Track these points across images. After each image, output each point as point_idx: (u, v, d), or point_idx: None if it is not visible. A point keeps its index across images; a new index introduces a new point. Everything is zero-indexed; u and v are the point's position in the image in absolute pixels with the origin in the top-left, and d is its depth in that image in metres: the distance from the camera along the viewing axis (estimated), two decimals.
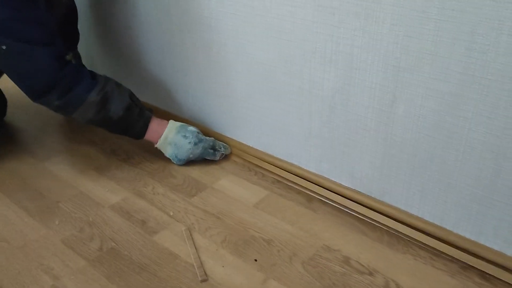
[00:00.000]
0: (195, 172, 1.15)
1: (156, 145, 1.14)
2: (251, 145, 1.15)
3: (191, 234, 0.94)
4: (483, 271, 0.82)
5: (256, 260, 0.87)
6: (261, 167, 1.13)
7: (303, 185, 1.05)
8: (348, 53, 0.85)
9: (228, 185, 1.09)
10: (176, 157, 1.14)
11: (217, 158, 1.17)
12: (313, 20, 0.87)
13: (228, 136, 1.20)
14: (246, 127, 1.14)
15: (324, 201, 1.02)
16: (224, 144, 1.18)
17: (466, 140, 0.76)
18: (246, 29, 1.00)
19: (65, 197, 1.07)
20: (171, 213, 1.01)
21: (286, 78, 0.98)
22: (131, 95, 1.11)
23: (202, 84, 1.19)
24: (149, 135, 1.13)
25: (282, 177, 1.09)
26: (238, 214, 1.00)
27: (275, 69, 0.99)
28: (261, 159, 1.13)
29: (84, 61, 1.54)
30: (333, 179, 1.01)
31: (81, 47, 1.44)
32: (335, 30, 0.84)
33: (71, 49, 1.30)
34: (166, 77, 1.28)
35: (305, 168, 1.06)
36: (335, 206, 1.01)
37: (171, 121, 1.15)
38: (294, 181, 1.07)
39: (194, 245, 0.92)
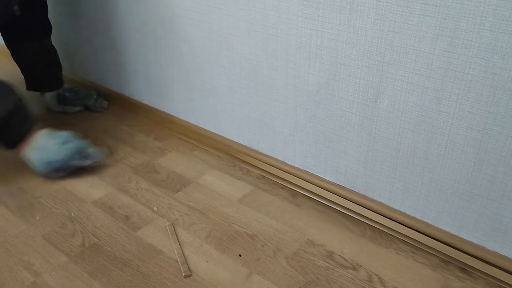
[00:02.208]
0: (179, 167, 1.14)
1: (21, 154, 1.05)
2: (235, 140, 1.15)
3: (175, 230, 0.94)
4: (464, 264, 0.83)
5: (240, 255, 0.87)
6: (245, 162, 1.13)
7: (287, 180, 1.05)
8: (333, 48, 0.85)
9: (212, 180, 1.09)
10: (40, 160, 1.04)
11: (87, 163, 1.08)
12: (298, 15, 0.87)
13: (213, 131, 1.19)
14: (231, 122, 1.13)
15: (308, 196, 1.03)
16: (100, 150, 1.11)
17: (449, 135, 0.77)
18: (230, 23, 0.99)
19: (46, 192, 1.05)
20: (155, 209, 1.00)
21: (271, 73, 0.98)
22: (20, 100, 1.03)
23: (187, 79, 1.18)
24: (21, 145, 1.04)
25: (267, 172, 1.09)
26: (223, 209, 0.99)
27: (260, 63, 0.99)
28: (245, 154, 1.13)
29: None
30: (317, 174, 1.01)
31: (64, 46, 1.42)
32: (320, 24, 0.85)
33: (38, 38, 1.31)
34: (149, 71, 1.27)
35: (289, 163, 1.06)
36: (319, 201, 1.01)
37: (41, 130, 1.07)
38: (279, 176, 1.07)
39: (178, 240, 0.91)
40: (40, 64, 1.32)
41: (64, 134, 1.08)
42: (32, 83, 1.37)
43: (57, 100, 1.37)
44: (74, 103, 1.37)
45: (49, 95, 1.37)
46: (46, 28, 1.32)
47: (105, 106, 1.41)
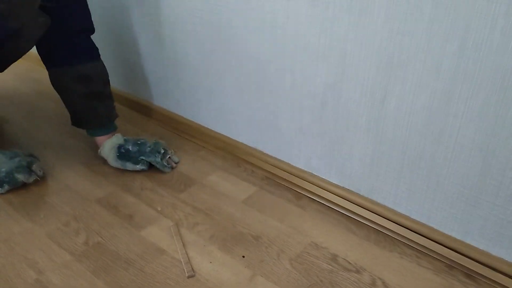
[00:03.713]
0: (184, 167, 1.14)
1: None
2: (241, 141, 1.15)
3: (178, 230, 0.93)
4: (469, 270, 0.83)
5: (244, 257, 0.87)
6: (250, 163, 1.13)
7: (292, 182, 1.05)
8: (341, 48, 0.85)
9: (217, 181, 1.09)
10: None
11: (30, 180, 1.05)
12: (307, 15, 0.87)
13: (218, 131, 1.19)
14: (237, 122, 1.13)
15: (312, 198, 1.02)
16: (41, 166, 1.09)
17: (456, 138, 0.77)
18: (239, 23, 0.99)
19: (50, 190, 1.05)
20: (159, 208, 1.00)
21: (278, 73, 0.98)
22: None
23: (193, 78, 1.18)
24: None
25: (272, 173, 1.09)
26: (227, 210, 0.99)
27: (267, 64, 0.98)
28: (251, 155, 1.13)
29: None
30: (322, 176, 1.01)
31: None
32: (329, 25, 0.84)
33: None
34: (156, 70, 1.27)
35: (294, 165, 1.05)
36: (323, 203, 1.01)
37: None
38: (284, 177, 1.06)
39: (182, 240, 0.91)
40: (75, 93, 1.08)
41: (13, 151, 1.08)
42: (73, 116, 1.14)
43: (117, 153, 1.11)
44: (137, 160, 1.10)
45: (107, 147, 1.12)
46: (84, 51, 1.08)
47: (175, 163, 1.15)
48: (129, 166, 1.10)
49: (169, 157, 1.14)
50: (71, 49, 1.05)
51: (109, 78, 1.11)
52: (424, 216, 0.88)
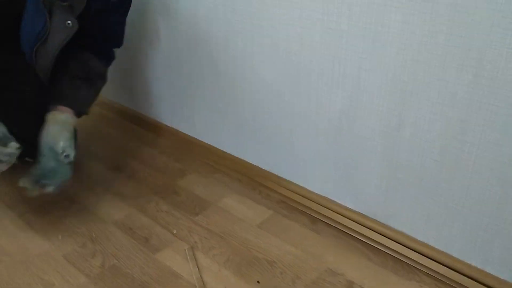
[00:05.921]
0: (199, 189, 1.14)
1: None
2: (256, 164, 1.15)
3: (194, 253, 0.94)
4: None
5: (258, 282, 0.86)
6: (265, 187, 1.13)
7: (307, 206, 1.05)
8: (355, 76, 0.85)
9: (232, 204, 1.09)
10: None
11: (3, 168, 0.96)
12: (321, 42, 0.87)
13: (234, 154, 1.20)
14: (252, 146, 1.14)
15: (328, 223, 1.01)
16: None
17: (473, 166, 0.76)
18: (254, 49, 1.01)
19: (69, 212, 1.07)
20: (175, 231, 1.00)
21: (293, 98, 0.98)
22: None
23: (209, 102, 1.19)
24: None
25: (287, 197, 1.08)
26: (242, 234, 0.99)
27: (282, 89, 0.99)
28: (266, 178, 1.13)
29: None
30: (337, 201, 1.00)
31: None
32: (343, 52, 0.85)
33: None
34: (172, 94, 1.29)
35: (309, 189, 1.05)
36: (339, 228, 1.00)
37: None
38: (299, 201, 1.06)
39: (197, 264, 0.91)
40: (71, 72, 1.04)
41: None
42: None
43: None
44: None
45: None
46: (103, 53, 1.10)
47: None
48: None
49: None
50: (92, 47, 1.06)
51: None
52: (443, 244, 0.86)
